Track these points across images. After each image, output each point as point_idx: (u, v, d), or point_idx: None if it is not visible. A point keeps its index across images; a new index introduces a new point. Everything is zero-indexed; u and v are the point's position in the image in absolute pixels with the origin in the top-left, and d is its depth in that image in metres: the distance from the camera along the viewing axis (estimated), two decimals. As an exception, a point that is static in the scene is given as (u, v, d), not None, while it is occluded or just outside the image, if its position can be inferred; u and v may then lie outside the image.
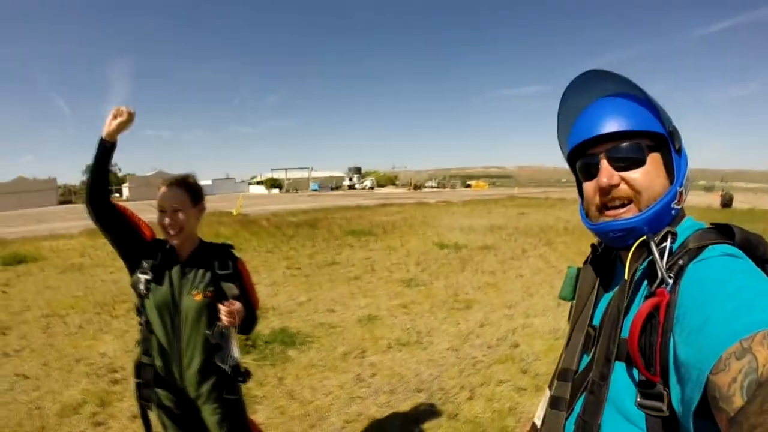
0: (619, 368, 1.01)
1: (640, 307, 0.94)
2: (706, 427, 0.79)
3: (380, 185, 72.52)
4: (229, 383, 2.34)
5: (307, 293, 8.02)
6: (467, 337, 5.89)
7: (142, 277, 2.22)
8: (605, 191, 1.08)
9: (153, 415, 2.43)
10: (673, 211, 1.06)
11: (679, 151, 1.08)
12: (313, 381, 4.73)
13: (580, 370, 1.17)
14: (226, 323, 2.08)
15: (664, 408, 0.90)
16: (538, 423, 1.31)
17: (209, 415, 2.32)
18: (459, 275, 9.02)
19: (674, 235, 1.00)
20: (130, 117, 2.06)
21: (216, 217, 20.59)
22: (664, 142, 1.08)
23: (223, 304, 2.07)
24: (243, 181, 73.09)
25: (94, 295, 8.35)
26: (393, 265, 10.05)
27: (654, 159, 1.07)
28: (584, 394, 1.10)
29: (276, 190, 67.50)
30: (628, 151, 1.07)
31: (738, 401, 0.68)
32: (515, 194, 50.99)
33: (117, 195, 57.68)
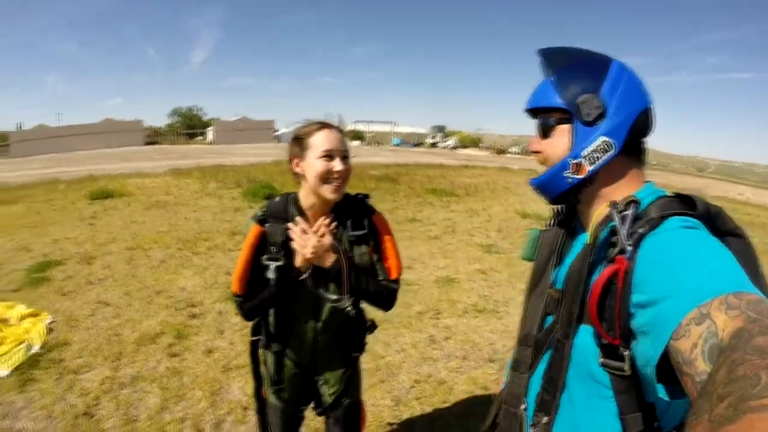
0: (583, 330, 1.09)
1: (600, 272, 1.01)
2: (670, 390, 0.87)
3: (463, 146, 71.21)
4: (359, 339, 2.27)
5: (386, 248, 7.97)
6: (545, 312, 5.70)
7: (272, 264, 1.89)
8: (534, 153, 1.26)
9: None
10: (569, 179, 1.16)
11: (593, 123, 1.12)
12: (387, 336, 4.76)
13: (543, 331, 1.25)
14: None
15: (626, 368, 0.98)
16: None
17: (334, 372, 2.23)
18: (540, 247, 8.66)
19: (637, 202, 1.04)
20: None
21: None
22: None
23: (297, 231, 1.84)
24: (325, 132, 73.29)
25: (177, 232, 8.71)
26: (474, 229, 9.89)
27: (562, 131, 1.17)
28: (549, 352, 1.19)
29: (357, 142, 67.69)
30: (540, 123, 1.22)
31: (701, 365, 0.72)
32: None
33: (201, 137, 59.32)
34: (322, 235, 1.84)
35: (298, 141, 1.88)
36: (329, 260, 1.84)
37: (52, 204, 11.33)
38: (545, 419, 1.18)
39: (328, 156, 1.81)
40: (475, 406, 3.68)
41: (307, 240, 1.81)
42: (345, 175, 1.85)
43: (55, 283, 6.01)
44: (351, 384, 2.28)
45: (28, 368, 3.99)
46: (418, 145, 68.63)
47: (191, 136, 60.83)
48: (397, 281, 2.05)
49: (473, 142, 75.99)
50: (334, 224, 1.92)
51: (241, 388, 3.74)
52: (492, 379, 4.07)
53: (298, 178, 1.93)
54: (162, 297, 5.64)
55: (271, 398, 2.27)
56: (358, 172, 19.11)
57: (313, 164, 1.82)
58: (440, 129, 77.78)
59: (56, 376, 3.89)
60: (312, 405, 2.36)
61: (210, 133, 57.98)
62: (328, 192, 1.83)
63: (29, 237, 8.30)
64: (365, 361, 4.18)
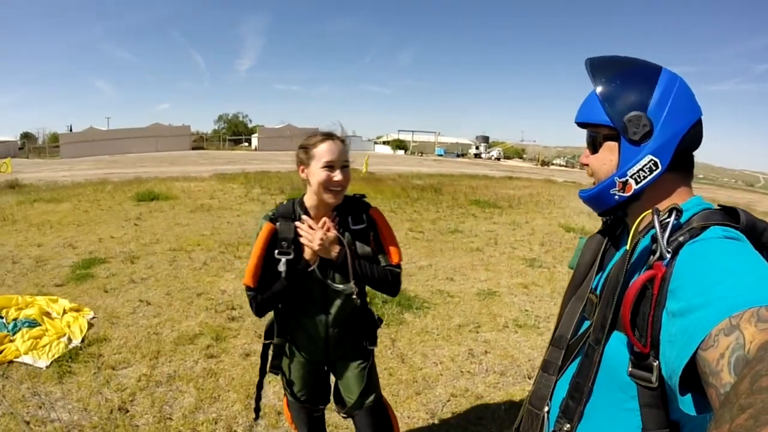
0: (615, 338, 1.06)
1: (636, 278, 0.99)
2: (699, 403, 0.83)
3: (506, 157, 70.92)
4: (371, 332, 2.38)
5: (428, 258, 7.98)
6: (588, 330, 5.54)
7: (283, 258, 2.04)
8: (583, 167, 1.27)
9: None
10: (616, 196, 1.15)
11: (640, 141, 1.09)
12: (425, 348, 4.68)
13: (577, 336, 1.24)
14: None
15: (653, 379, 0.95)
16: None
17: (350, 368, 2.36)
18: (584, 263, 8.45)
19: (679, 211, 1.00)
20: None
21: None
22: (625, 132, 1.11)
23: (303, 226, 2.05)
24: (369, 140, 74.22)
25: (220, 235, 8.85)
26: (516, 242, 9.70)
27: (609, 147, 1.15)
28: (580, 357, 1.17)
29: (401, 152, 67.99)
30: (589, 138, 1.22)
31: (726, 377, 0.71)
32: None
33: (246, 144, 60.65)
34: (327, 230, 2.02)
35: (304, 150, 2.04)
36: (334, 251, 2.02)
37: (99, 204, 11.70)
38: (567, 426, 1.16)
39: (329, 166, 1.97)
40: (512, 423, 3.55)
41: (314, 234, 2.00)
42: (344, 184, 2.02)
43: (98, 280, 6.14)
44: (371, 382, 2.38)
45: (67, 361, 4.05)
46: (461, 155, 68.45)
47: (236, 142, 62.11)
48: (398, 266, 2.19)
49: (517, 153, 75.45)
50: (336, 220, 2.12)
51: (276, 392, 3.70)
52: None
53: (304, 182, 2.10)
54: (202, 298, 5.68)
55: (290, 397, 2.43)
56: (401, 182, 19.22)
57: (316, 173, 1.99)
58: (485, 139, 77.55)
59: (94, 371, 3.93)
60: (335, 408, 2.51)
61: (255, 140, 59.19)
62: (328, 198, 2.02)
63: (76, 234, 8.55)
64: (402, 373, 4.13)
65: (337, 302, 2.17)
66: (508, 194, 18.21)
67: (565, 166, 62.06)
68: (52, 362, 4.00)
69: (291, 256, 2.04)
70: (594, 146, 1.20)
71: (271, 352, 2.36)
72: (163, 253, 7.55)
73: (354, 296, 2.10)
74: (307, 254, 2.05)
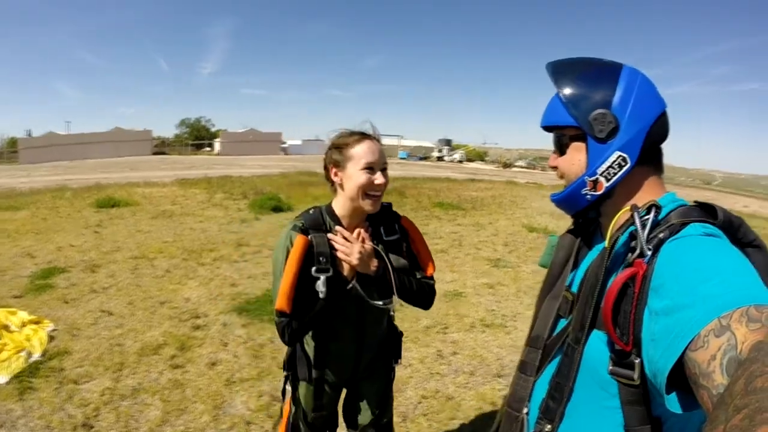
0: (594, 336, 1.05)
1: (616, 276, 0.97)
2: (684, 401, 0.83)
3: (469, 160, 71.36)
4: (396, 349, 2.28)
5: (393, 261, 7.92)
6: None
7: (322, 276, 1.80)
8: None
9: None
10: (587, 196, 1.15)
11: (606, 138, 1.09)
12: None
13: (554, 335, 1.23)
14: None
15: (635, 377, 0.94)
16: None
17: (373, 386, 2.24)
18: (548, 261, 8.59)
19: (658, 207, 1.02)
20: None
21: (306, 177, 20.82)
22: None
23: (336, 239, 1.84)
24: (332, 144, 74.15)
25: (183, 242, 8.74)
26: (480, 243, 9.79)
27: (577, 147, 1.15)
28: (559, 357, 1.16)
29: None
30: (555, 140, 1.22)
31: (718, 378, 0.70)
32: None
33: (208, 149, 60.05)
34: (363, 242, 1.86)
35: (339, 150, 1.86)
36: (373, 265, 1.86)
37: (57, 211, 11.40)
38: (548, 427, 1.15)
39: (370, 168, 1.80)
40: (484, 422, 3.59)
41: (352, 247, 1.82)
42: (384, 188, 1.85)
43: (58, 291, 5.98)
44: (389, 400, 2.31)
45: (27, 376, 3.93)
46: (424, 158, 68.65)
47: (198, 147, 61.39)
48: (432, 278, 2.07)
49: (479, 156, 76.03)
50: (370, 231, 1.95)
51: (244, 402, 3.66)
52: (500, 395, 3.97)
53: (334, 186, 1.93)
54: (166, 307, 5.59)
55: (301, 424, 2.21)
56: (365, 184, 19.15)
57: (354, 176, 1.81)
58: (447, 142, 77.88)
59: (56, 386, 3.82)
60: (346, 426, 2.35)
61: (217, 144, 58.66)
62: (367, 205, 1.84)
63: (34, 243, 8.31)
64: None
65: (372, 319, 2.05)
66: (471, 196, 18.36)
67: (527, 168, 62.79)
68: (11, 378, 3.87)
69: (330, 273, 1.81)
70: (561, 148, 1.21)
71: (310, 392, 2.14)
72: (125, 261, 7.40)
73: (392, 312, 2.01)
74: (345, 269, 1.85)
